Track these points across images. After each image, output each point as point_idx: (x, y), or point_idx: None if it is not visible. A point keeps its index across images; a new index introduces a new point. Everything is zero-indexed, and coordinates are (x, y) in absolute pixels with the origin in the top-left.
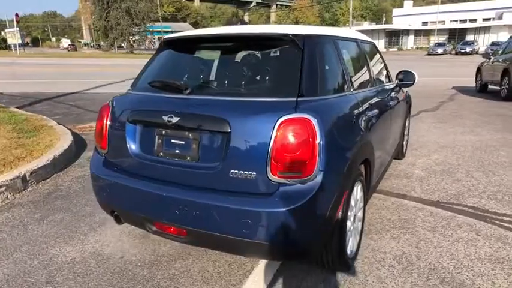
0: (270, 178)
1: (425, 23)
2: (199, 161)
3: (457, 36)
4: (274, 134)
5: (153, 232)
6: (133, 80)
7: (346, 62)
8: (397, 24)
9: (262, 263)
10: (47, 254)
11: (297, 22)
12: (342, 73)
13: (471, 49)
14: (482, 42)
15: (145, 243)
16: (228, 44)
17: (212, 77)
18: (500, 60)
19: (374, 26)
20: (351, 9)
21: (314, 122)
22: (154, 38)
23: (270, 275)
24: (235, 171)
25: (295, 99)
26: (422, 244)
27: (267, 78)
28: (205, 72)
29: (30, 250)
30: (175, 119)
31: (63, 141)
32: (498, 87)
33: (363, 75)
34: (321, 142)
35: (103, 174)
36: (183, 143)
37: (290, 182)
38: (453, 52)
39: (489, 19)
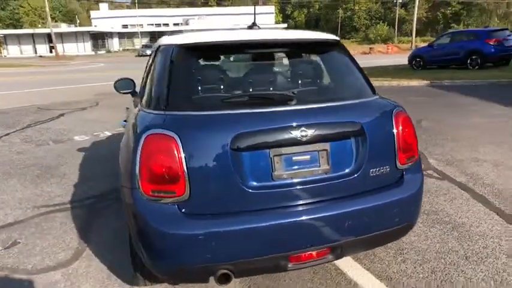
0: (398, 167)
1: (125, 26)
2: (331, 172)
3: (157, 38)
4: (395, 126)
5: (286, 269)
6: None
7: None
8: (99, 26)
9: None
10: None
11: None
12: None
13: None
14: None
15: None
16: (283, 50)
17: (286, 83)
18: None
19: (77, 28)
20: (47, 8)
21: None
22: None
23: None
24: (375, 169)
25: (377, 96)
26: None
27: (345, 79)
28: (273, 78)
29: None
30: (310, 132)
31: None
32: None
33: None
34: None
35: (194, 229)
36: (309, 157)
37: (410, 166)
38: None
39: (178, 24)
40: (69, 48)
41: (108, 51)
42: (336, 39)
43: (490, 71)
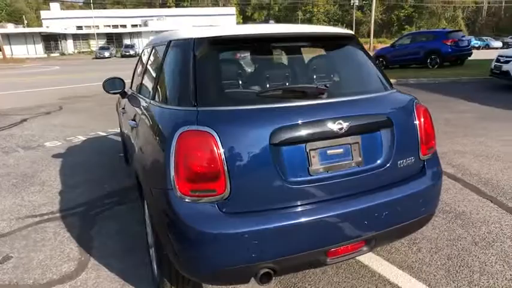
0: (421, 157)
1: (79, 27)
2: (363, 164)
3: (114, 40)
4: (417, 118)
5: (325, 264)
6: None
7: None
8: (51, 27)
9: None
10: None
11: None
12: None
13: (134, 52)
14: (138, 45)
15: None
16: (307, 43)
17: (312, 76)
18: None
19: (27, 29)
20: None
21: None
22: None
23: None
24: (402, 160)
25: (395, 89)
26: None
27: (366, 73)
28: (298, 72)
29: None
30: (345, 125)
31: None
32: None
33: None
34: None
35: (238, 228)
36: (342, 150)
37: (430, 157)
38: (119, 55)
39: (136, 25)
40: (18, 50)
41: (63, 54)
42: (353, 34)
43: (448, 70)
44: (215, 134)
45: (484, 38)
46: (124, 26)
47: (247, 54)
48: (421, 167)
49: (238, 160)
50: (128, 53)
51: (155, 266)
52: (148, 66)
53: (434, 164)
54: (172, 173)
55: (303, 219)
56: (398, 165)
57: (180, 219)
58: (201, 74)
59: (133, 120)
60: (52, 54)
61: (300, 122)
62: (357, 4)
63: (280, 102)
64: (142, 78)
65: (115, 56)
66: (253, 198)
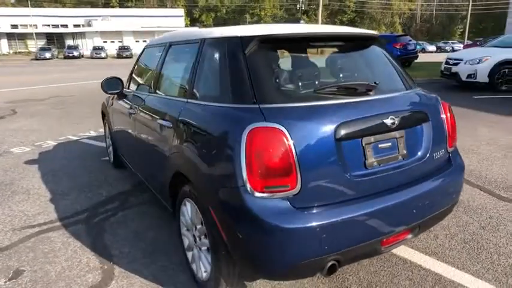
0: (448, 150)
1: (15, 26)
2: (408, 157)
3: (55, 40)
4: (444, 112)
5: (380, 253)
6: None
7: None
8: None
9: None
10: None
11: None
12: None
13: (78, 53)
14: (82, 46)
15: None
16: (345, 43)
17: (354, 74)
18: None
19: None
20: None
21: None
22: None
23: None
24: (436, 153)
25: (418, 87)
26: None
27: (395, 71)
28: (341, 70)
29: None
30: (396, 120)
31: None
32: None
33: None
34: None
35: (312, 222)
36: (390, 144)
37: (454, 150)
38: (61, 56)
39: (79, 25)
40: None
41: None
42: (377, 35)
43: None
44: (285, 130)
45: (420, 42)
46: (65, 26)
47: (293, 53)
48: (447, 158)
49: (307, 155)
50: (71, 55)
51: (203, 268)
52: (169, 65)
53: (457, 156)
54: (244, 170)
55: (365, 211)
56: (433, 157)
57: (255, 216)
58: (255, 71)
59: (166, 120)
60: None
61: (360, 117)
62: (303, 9)
63: (339, 98)
64: (159, 77)
65: (57, 58)
66: (319, 192)
